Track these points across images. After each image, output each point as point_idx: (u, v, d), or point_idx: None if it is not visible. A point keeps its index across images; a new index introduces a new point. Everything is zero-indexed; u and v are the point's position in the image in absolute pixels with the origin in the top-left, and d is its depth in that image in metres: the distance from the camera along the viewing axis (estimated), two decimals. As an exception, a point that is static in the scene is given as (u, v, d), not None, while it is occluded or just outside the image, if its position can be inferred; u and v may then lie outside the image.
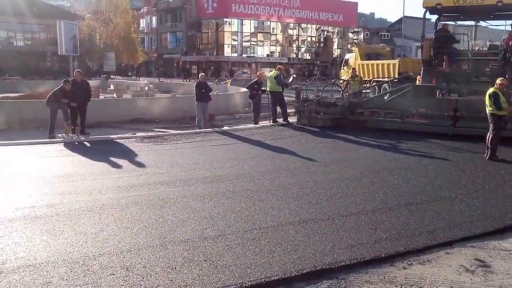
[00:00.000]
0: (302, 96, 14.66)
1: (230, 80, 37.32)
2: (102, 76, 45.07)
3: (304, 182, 7.50)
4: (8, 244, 4.75)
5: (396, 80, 19.61)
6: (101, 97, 24.60)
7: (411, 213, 5.97)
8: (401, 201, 6.51)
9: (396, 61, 25.49)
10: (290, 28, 70.57)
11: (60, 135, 12.07)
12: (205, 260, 4.44)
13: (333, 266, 4.43)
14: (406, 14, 65.68)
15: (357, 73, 19.44)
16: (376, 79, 24.29)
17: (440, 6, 14.33)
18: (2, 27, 53.00)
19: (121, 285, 3.93)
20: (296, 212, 5.93)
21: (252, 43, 67.10)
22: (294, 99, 15.43)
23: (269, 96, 14.74)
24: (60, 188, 6.96)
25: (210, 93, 14.64)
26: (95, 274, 4.12)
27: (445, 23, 16.20)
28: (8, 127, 14.41)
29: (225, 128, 14.30)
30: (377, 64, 25.99)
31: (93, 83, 19.75)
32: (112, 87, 29.48)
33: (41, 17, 50.55)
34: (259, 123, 14.73)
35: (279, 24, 68.61)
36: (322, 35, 73.86)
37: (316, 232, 5.25)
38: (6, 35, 54.02)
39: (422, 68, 15.59)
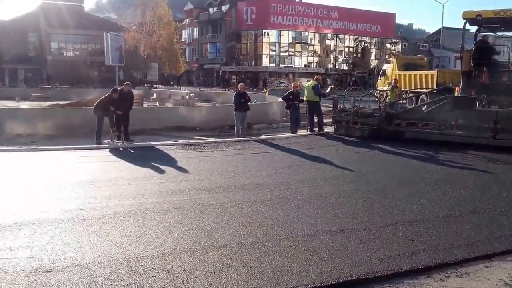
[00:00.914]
0: (340, 106, 14.69)
1: (268, 90, 37.58)
2: (146, 85, 46.30)
3: (341, 192, 7.54)
4: (57, 244, 5.02)
5: (435, 91, 19.30)
6: (145, 105, 25.34)
7: (449, 225, 5.91)
8: (439, 212, 6.46)
9: (434, 72, 25.08)
10: (328, 39, 70.52)
11: (106, 141, 12.57)
12: (243, 266, 4.57)
13: (369, 277, 4.44)
14: (445, 25, 64.47)
15: (397, 84, 19.26)
16: (413, 90, 23.94)
17: (480, 18, 14.08)
18: (54, 38, 55.35)
19: (163, 287, 4.10)
20: (333, 221, 5.99)
21: (290, 53, 67.45)
22: (331, 109, 15.46)
23: (306, 105, 14.86)
24: (106, 192, 7.29)
25: (249, 103, 14.88)
26: (138, 275, 4.31)
27: (485, 34, 15.87)
28: (58, 133, 15.06)
29: (263, 136, 14.47)
30: (415, 75, 25.65)
31: (137, 92, 20.39)
32: (155, 95, 30.29)
33: (90, 29, 52.57)
34: (296, 132, 14.83)
35: (316, 34, 68.68)
36: (359, 46, 73.36)
37: (353, 242, 5.28)
38: (57, 46, 56.38)
39: (462, 79, 15.31)
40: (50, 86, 42.28)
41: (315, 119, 14.94)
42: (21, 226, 5.56)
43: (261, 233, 5.51)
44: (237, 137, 13.95)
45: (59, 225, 5.66)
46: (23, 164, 9.79)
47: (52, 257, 4.67)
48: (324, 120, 15.07)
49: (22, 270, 4.33)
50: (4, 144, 12.61)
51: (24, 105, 25.67)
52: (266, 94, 33.50)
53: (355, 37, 72.49)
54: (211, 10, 72.33)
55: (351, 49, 73.32)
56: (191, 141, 13.54)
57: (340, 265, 4.65)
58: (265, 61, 65.83)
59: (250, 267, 4.55)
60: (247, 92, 15.91)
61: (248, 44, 67.82)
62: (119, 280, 4.19)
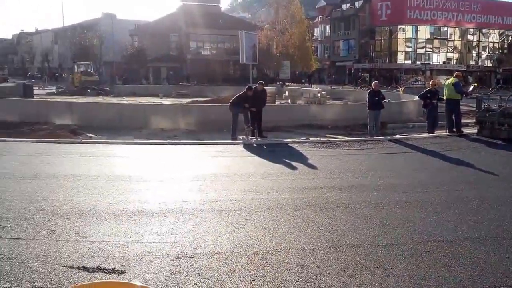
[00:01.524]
0: (484, 106, 13.53)
1: (403, 88, 36.02)
2: (278, 83, 47.32)
3: (485, 197, 6.93)
4: (198, 233, 5.34)
5: None
6: (277, 103, 25.90)
7: None
8: None
9: None
10: (470, 34, 65.28)
11: (240, 137, 13.09)
12: (377, 267, 4.43)
13: (517, 290, 4.04)
14: None
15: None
16: None
17: None
18: (193, 38, 59.21)
19: (296, 281, 4.14)
20: (475, 228, 5.54)
21: (427, 49, 63.83)
22: (473, 109, 14.31)
23: (446, 104, 13.92)
24: (241, 185, 7.59)
25: (383, 101, 14.39)
26: (273, 267, 4.40)
27: None
28: (196, 128, 16.08)
29: (398, 136, 13.90)
30: None
31: (269, 89, 20.90)
32: (287, 93, 30.81)
33: (225, 28, 55.25)
34: (434, 132, 13.99)
35: (457, 29, 64.00)
36: (506, 41, 66.70)
37: (497, 251, 4.83)
38: (195, 45, 60.24)
39: None
40: (189, 84, 45.32)
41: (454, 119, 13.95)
42: (166, 213, 6.02)
43: (396, 235, 5.29)
44: (370, 136, 13.60)
45: (199, 214, 6.02)
46: (166, 156, 10.62)
47: (194, 244, 4.97)
48: (466, 121, 13.98)
49: (167, 255, 4.67)
50: (150, 137, 13.81)
51: (167, 101, 27.88)
52: (401, 92, 32.16)
53: (501, 31, 66.18)
54: (344, 6, 71.41)
55: (496, 45, 67.19)
56: (322, 139, 13.52)
57: (482, 274, 4.30)
58: (400, 58, 63.23)
59: (385, 268, 4.40)
60: (381, 90, 15.40)
61: (382, 40, 65.69)
62: (255, 271, 4.32)
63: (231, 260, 4.56)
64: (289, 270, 4.35)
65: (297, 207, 6.34)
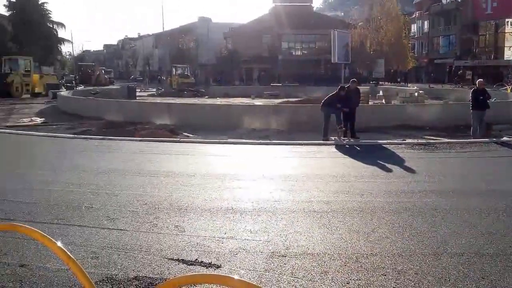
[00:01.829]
0: None
1: (510, 86, 33.44)
2: (371, 82, 46.17)
3: None
4: (291, 232, 5.35)
5: None
6: (370, 103, 25.24)
7: None
8: None
9: None
10: None
11: (332, 138, 12.94)
12: (482, 278, 4.15)
13: None
14: None
15: None
16: None
17: None
18: (284, 39, 59.64)
19: (393, 287, 4.00)
20: None
21: (539, 44, 58.48)
22: None
23: None
24: (333, 187, 7.49)
25: (488, 100, 13.46)
26: (367, 272, 4.29)
27: None
28: (287, 129, 16.14)
29: (505, 138, 12.92)
30: None
31: (362, 89, 20.41)
32: (381, 93, 29.94)
33: (317, 28, 54.95)
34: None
35: None
36: None
37: None
38: (287, 46, 60.59)
39: None
40: (280, 84, 45.66)
41: None
42: (259, 212, 6.11)
43: (504, 245, 4.91)
44: (474, 138, 12.77)
45: (291, 214, 6.03)
46: (259, 156, 10.79)
47: (286, 243, 4.99)
48: None
49: (261, 252, 4.74)
50: (242, 137, 14.11)
51: (258, 102, 28.32)
52: (508, 91, 29.88)
53: None
54: (444, 0, 67.71)
55: None
56: (420, 140, 12.94)
57: None
58: (508, 54, 58.64)
59: (491, 280, 4.10)
60: (486, 88, 14.39)
61: (487, 35, 61.31)
62: (349, 274, 4.24)
63: (324, 262, 4.51)
64: (385, 275, 4.21)
65: (393, 211, 6.13)
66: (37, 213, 6.00)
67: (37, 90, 35.75)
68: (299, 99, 26.87)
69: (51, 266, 4.29)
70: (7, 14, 63.75)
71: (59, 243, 2.46)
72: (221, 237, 5.13)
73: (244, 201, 6.63)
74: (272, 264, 4.45)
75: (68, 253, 2.20)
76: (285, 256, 4.63)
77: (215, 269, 4.30)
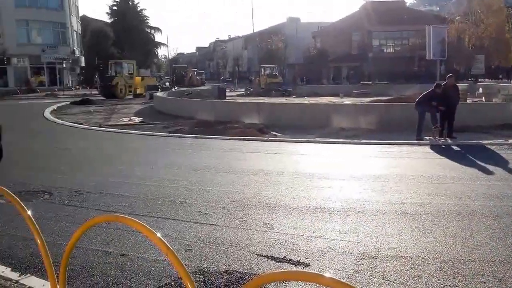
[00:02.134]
0: None
1: None
2: (470, 79, 43.51)
3: None
4: (381, 234, 5.21)
5: None
6: (469, 101, 23.82)
7: None
8: None
9: None
10: None
11: (427, 137, 12.37)
12: None
13: None
14: None
15: None
16: None
17: None
18: (375, 36, 58.07)
19: (493, 296, 3.75)
20: None
21: None
22: None
23: None
24: (428, 188, 7.16)
25: None
26: (465, 278, 4.06)
27: None
28: (377, 128, 15.68)
29: None
30: None
31: (460, 86, 19.30)
32: (480, 90, 28.16)
33: (410, 24, 52.85)
34: None
35: None
36: None
37: None
38: (378, 43, 58.95)
39: None
40: (370, 83, 44.50)
41: None
42: (348, 212, 6.01)
43: None
44: None
45: (382, 215, 5.87)
46: (347, 155, 10.61)
47: (377, 245, 4.86)
48: None
49: (350, 253, 4.66)
50: (331, 136, 13.94)
51: (347, 101, 27.83)
52: None
53: None
54: (552, -10, 62.08)
55: None
56: (525, 141, 11.97)
57: None
58: None
59: None
60: None
61: None
62: (444, 279, 4.04)
63: (417, 266, 4.33)
64: (484, 283, 3.96)
65: (494, 215, 5.73)
66: (135, 206, 6.38)
67: (138, 91, 38.18)
68: (390, 97, 25.96)
69: (148, 257, 4.54)
70: (109, 21, 68.60)
71: (158, 234, 2.60)
72: (309, 236, 5.12)
73: (333, 200, 6.56)
74: (362, 265, 4.36)
75: (167, 244, 2.31)
76: (376, 258, 4.52)
77: (303, 267, 4.30)
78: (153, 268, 4.30)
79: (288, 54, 67.20)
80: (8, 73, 47.17)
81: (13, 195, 3.62)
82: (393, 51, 58.13)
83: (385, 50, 58.80)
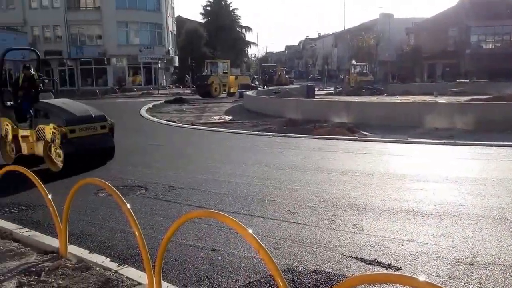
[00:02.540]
0: None
1: None
2: None
3: None
4: (478, 240, 4.95)
5: None
6: None
7: None
8: None
9: None
10: None
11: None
12: None
13: None
14: None
15: None
16: None
17: None
18: (474, 31, 54.65)
19: None
20: None
21: None
22: None
23: None
24: (532, 194, 6.68)
25: None
26: None
27: None
28: (475, 129, 14.81)
29: None
30: None
31: None
32: None
33: (512, 17, 49.11)
34: None
35: None
36: None
37: None
38: (476, 39, 55.45)
39: None
40: (467, 81, 41.99)
41: None
42: (442, 216, 5.77)
43: None
44: None
45: (479, 220, 5.58)
46: (442, 157, 10.15)
47: (474, 251, 4.64)
48: None
49: (445, 258, 4.49)
50: (423, 136, 13.39)
51: (442, 99, 26.50)
52: None
53: None
54: None
55: None
56: None
57: None
58: None
59: None
60: None
61: None
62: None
63: (519, 275, 4.08)
64: None
65: None
66: (225, 203, 6.60)
67: (232, 90, 39.49)
68: (489, 96, 24.33)
69: (238, 253, 4.70)
70: (202, 21, 71.12)
71: (250, 231, 2.71)
72: (401, 239, 5.00)
73: (426, 203, 6.34)
74: (457, 271, 4.18)
75: (259, 241, 2.40)
76: (472, 265, 4.32)
77: (395, 271, 4.22)
78: (242, 264, 4.44)
79: (380, 51, 65.27)
80: (107, 72, 50.56)
81: (114, 189, 3.93)
82: (492, 47, 54.38)
83: (484, 46, 55.18)
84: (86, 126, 9.05)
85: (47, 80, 11.49)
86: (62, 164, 8.88)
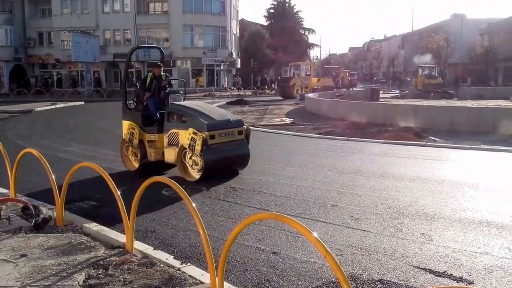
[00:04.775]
0: None
1: None
2: None
3: None
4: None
5: None
6: None
7: None
8: None
9: None
10: None
11: None
12: None
13: None
14: None
15: None
16: None
17: None
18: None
19: None
20: None
21: None
22: None
23: None
24: None
25: None
26: None
27: None
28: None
29: None
30: None
31: None
32: None
33: None
34: None
35: None
36: None
37: None
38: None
39: None
40: (549, 85, 39.34)
41: None
42: (520, 228, 5.37)
43: None
44: None
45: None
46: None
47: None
48: None
49: (525, 274, 4.15)
50: (496, 143, 12.61)
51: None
52: None
53: None
54: None
55: None
56: None
57: None
58: None
59: None
60: None
61: None
62: None
63: None
64: None
65: None
66: (286, 206, 6.51)
67: None
68: None
69: (299, 257, 4.59)
70: (266, 23, 71.49)
71: (315, 234, 2.61)
72: (473, 252, 4.69)
73: (502, 214, 5.92)
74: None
75: (326, 247, 2.30)
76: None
77: (466, 284, 3.94)
78: (304, 269, 4.32)
79: (450, 53, 62.57)
80: (173, 74, 51.96)
81: (181, 188, 3.95)
82: None
83: None
84: (225, 131, 8.32)
85: (173, 81, 10.73)
86: (199, 173, 8.09)
